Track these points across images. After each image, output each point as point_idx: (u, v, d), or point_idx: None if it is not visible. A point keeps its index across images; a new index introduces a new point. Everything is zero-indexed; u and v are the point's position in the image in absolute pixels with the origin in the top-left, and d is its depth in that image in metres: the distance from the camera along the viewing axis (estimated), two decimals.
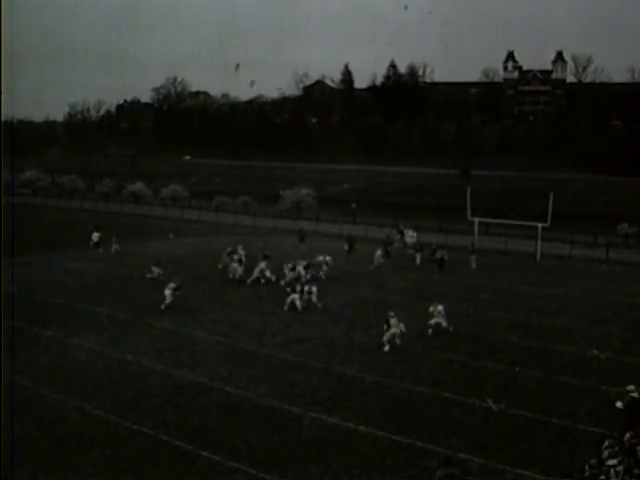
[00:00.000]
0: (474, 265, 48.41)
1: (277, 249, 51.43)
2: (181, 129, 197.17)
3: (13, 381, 23.60)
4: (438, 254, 48.09)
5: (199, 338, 30.51)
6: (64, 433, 20.31)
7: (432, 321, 31.61)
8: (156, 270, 42.18)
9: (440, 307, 31.92)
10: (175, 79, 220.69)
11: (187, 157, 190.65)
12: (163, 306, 34.95)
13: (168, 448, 19.47)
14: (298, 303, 35.62)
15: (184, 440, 19.89)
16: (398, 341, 29.15)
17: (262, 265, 42.04)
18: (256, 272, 41.94)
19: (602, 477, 15.26)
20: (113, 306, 35.56)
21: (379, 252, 48.73)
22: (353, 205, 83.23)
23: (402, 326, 29.39)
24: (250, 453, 19.26)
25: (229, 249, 45.60)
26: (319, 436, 20.51)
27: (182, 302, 35.82)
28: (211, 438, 20.14)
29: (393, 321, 29.39)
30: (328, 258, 44.14)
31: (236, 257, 43.66)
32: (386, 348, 28.99)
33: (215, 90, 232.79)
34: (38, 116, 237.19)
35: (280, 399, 23.30)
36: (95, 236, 54.18)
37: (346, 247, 54.47)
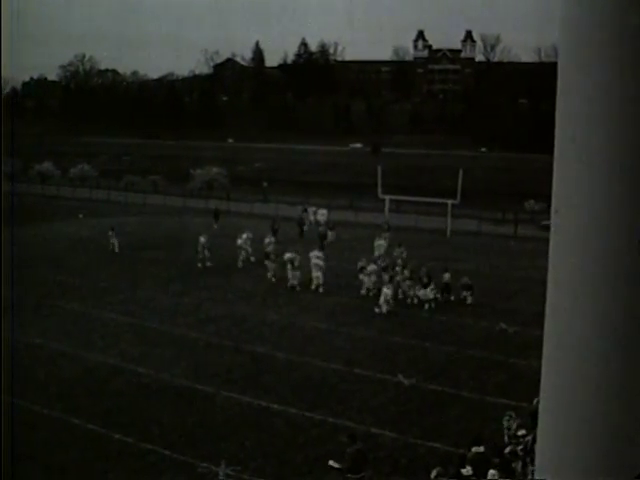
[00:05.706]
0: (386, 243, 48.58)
1: (189, 228, 51.13)
2: (89, 107, 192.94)
3: None
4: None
5: (109, 319, 30.15)
6: None
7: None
8: None
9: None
10: (83, 56, 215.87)
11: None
12: None
13: (80, 431, 19.23)
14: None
15: (96, 423, 19.66)
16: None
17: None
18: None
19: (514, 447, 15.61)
20: (21, 289, 34.77)
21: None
22: (264, 184, 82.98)
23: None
24: (163, 434, 19.17)
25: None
26: (232, 415, 20.54)
27: (92, 283, 35.30)
28: (123, 420, 19.96)
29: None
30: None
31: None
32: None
33: (124, 68, 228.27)
34: None
35: (193, 379, 23.22)
36: None
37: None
